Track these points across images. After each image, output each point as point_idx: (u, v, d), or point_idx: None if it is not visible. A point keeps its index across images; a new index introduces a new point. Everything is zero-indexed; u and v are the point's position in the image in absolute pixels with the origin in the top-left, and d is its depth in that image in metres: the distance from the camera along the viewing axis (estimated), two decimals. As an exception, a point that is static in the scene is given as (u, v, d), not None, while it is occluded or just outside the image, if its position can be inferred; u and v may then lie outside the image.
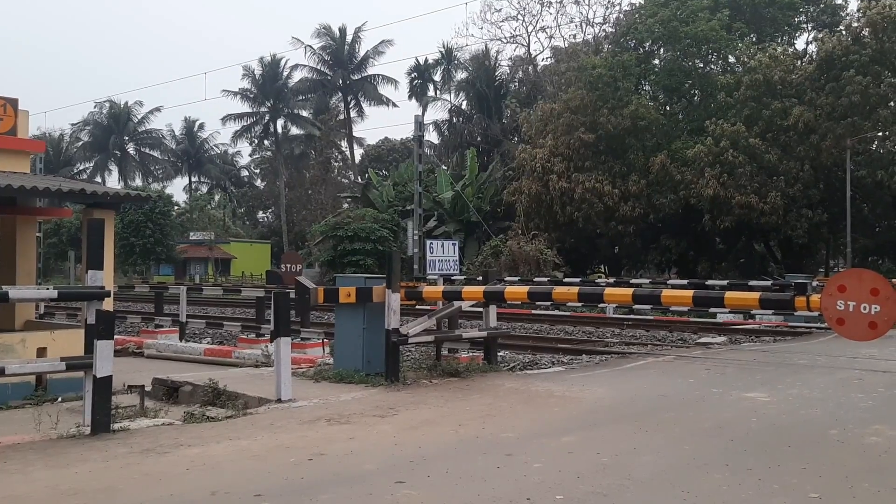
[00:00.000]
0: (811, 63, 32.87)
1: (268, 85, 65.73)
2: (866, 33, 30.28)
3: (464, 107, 55.54)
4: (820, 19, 36.93)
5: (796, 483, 5.33)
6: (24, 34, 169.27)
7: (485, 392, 9.02)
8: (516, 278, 23.99)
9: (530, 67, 51.51)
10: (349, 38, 64.33)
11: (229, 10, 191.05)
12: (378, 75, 64.98)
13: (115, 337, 7.31)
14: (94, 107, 76.76)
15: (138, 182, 75.32)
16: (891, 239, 34.05)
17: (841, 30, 32.74)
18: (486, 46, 53.32)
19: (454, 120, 55.65)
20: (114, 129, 75.57)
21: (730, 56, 35.90)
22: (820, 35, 34.73)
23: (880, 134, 31.25)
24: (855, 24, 31.73)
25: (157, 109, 77.46)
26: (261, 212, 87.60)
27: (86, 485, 5.24)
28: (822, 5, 36.66)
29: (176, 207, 70.11)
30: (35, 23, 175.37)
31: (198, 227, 71.78)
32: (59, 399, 10.00)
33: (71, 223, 53.58)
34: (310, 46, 63.15)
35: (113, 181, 75.25)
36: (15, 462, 5.78)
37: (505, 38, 52.20)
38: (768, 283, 18.16)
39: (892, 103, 30.21)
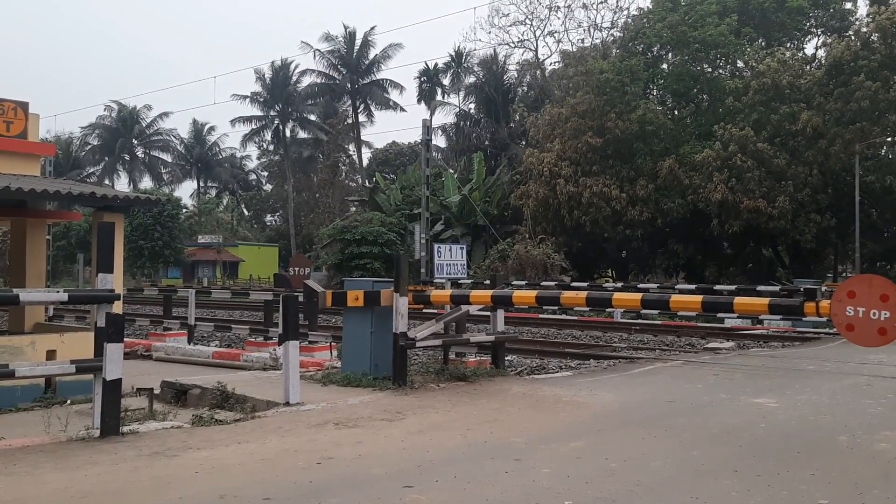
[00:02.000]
0: (820, 68, 32.78)
1: (277, 89, 66.03)
2: (875, 38, 30.17)
3: (472, 111, 55.55)
4: (829, 24, 36.79)
5: (805, 489, 5.32)
6: (35, 38, 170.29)
7: (492, 396, 9.02)
8: (523, 282, 24.07)
9: (538, 72, 51.48)
10: (358, 42, 64.53)
11: (239, 14, 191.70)
12: (386, 79, 65.22)
13: (124, 340, 7.33)
14: (104, 110, 77.32)
15: (147, 185, 75.61)
16: (900, 244, 33.93)
17: (850, 35, 32.61)
18: (494, 51, 53.31)
19: (462, 124, 55.66)
20: (122, 132, 75.94)
21: (738, 60, 35.81)
22: (829, 40, 34.62)
23: (889, 139, 31.15)
24: (864, 30, 31.62)
25: (166, 114, 77.88)
26: (269, 215, 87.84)
27: (95, 488, 5.26)
28: (831, 10, 36.50)
29: (184, 211, 70.31)
30: (45, 27, 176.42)
31: (206, 231, 71.99)
32: (69, 401, 10.02)
33: (80, 226, 53.73)
34: (318, 50, 63.41)
35: (122, 184, 75.66)
36: (24, 464, 5.81)
37: (513, 42, 52.13)
38: (776, 288, 18.14)
39: (901, 108, 30.11)
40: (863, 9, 35.50)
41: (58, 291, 7.66)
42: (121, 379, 6.83)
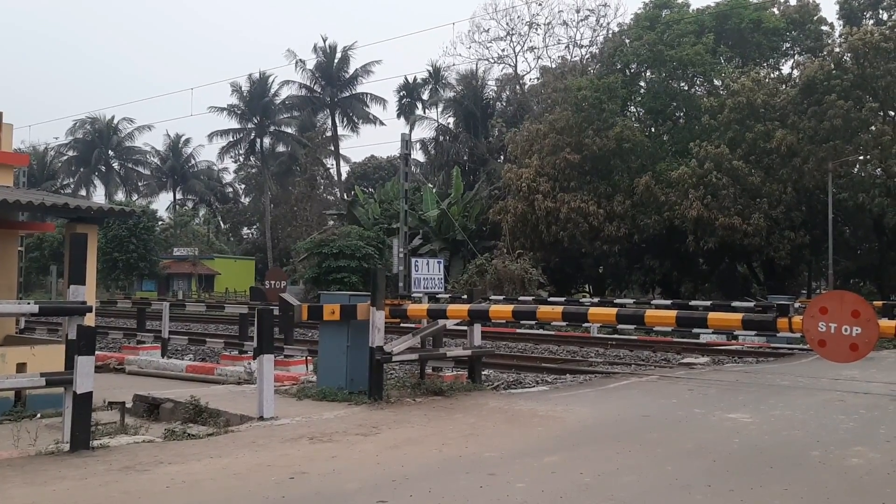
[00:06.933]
0: (794, 87, 33.27)
1: (255, 101, 65.82)
2: (848, 59, 30.70)
3: (451, 125, 55.72)
4: (804, 44, 37.39)
5: (778, 504, 5.34)
6: (10, 48, 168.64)
7: (468, 411, 8.99)
8: (501, 297, 24.08)
9: (517, 87, 51.79)
10: (338, 55, 64.60)
11: (216, 29, 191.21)
12: (367, 93, 65.37)
13: (97, 353, 7.24)
14: (74, 123, 76.54)
15: (122, 197, 74.96)
16: (872, 261, 34.37)
17: (824, 55, 33.18)
18: (476, 66, 53.63)
19: (441, 138, 55.83)
20: (98, 143, 75.34)
21: (714, 79, 36.30)
22: (803, 60, 35.17)
23: (861, 158, 31.60)
24: (837, 50, 32.17)
25: (147, 127, 77.52)
26: (245, 228, 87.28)
27: (63, 503, 5.17)
28: (806, 30, 37.13)
29: (160, 223, 69.74)
30: (21, 36, 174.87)
31: (182, 243, 71.40)
32: (38, 415, 9.86)
33: (53, 237, 53.14)
34: (301, 61, 63.37)
35: (97, 196, 74.92)
36: (-9, 479, 5.71)
37: (492, 58, 52.47)
38: (751, 304, 18.27)
39: (873, 127, 30.59)
40: (838, 29, 36.13)
41: (28, 303, 7.56)
42: (91, 392, 6.73)
